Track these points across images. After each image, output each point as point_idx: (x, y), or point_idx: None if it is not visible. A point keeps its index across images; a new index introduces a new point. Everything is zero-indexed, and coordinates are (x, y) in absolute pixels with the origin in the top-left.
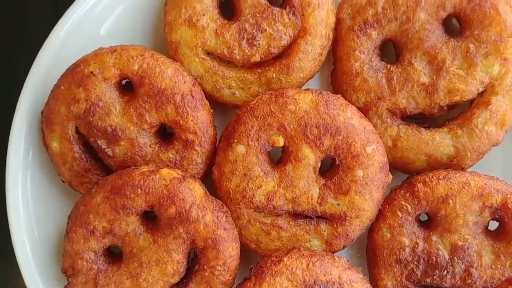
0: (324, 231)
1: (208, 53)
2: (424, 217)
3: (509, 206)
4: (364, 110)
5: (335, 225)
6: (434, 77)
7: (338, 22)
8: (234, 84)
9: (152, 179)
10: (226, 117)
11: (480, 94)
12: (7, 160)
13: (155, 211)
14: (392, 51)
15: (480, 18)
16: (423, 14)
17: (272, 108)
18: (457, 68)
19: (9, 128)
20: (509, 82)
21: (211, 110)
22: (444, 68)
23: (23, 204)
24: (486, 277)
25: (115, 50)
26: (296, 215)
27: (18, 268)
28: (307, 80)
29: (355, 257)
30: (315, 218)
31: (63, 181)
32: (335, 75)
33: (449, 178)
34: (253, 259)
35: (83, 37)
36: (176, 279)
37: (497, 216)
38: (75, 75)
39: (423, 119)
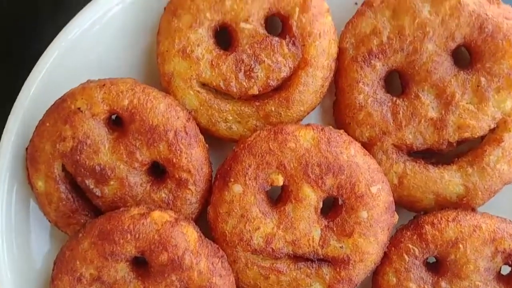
0: (326, 275)
1: (204, 84)
2: (432, 259)
3: None
4: (369, 145)
5: (337, 269)
6: (443, 112)
7: (341, 51)
8: (230, 118)
9: (143, 223)
10: (223, 152)
11: (492, 131)
12: None
13: (146, 257)
14: (398, 81)
15: (493, 50)
16: (431, 45)
17: (271, 146)
18: (467, 103)
19: None
20: None
21: (207, 146)
22: (453, 103)
23: (7, 244)
24: None
25: (104, 85)
26: (296, 258)
27: None
28: (308, 113)
29: None
30: (316, 261)
31: (49, 221)
32: (338, 107)
33: (459, 221)
34: None
35: (71, 67)
36: None
37: (510, 262)
38: (61, 111)
39: (431, 154)
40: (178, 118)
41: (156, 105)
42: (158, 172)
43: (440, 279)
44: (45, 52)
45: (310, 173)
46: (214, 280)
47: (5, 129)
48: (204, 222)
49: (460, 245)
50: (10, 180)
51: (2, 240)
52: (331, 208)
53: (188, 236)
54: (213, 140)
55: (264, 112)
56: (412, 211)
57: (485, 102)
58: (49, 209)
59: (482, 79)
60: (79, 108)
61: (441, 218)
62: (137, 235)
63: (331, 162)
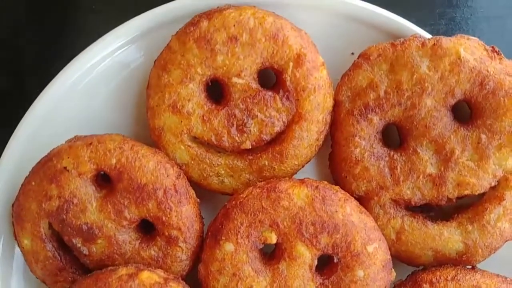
0: None
1: (195, 138)
2: None
3: None
4: (365, 200)
5: None
6: (442, 168)
7: (337, 104)
8: (223, 172)
9: (131, 286)
10: (215, 204)
11: (493, 188)
12: None
13: None
14: (395, 134)
15: (494, 107)
16: (429, 101)
17: (263, 204)
18: (467, 160)
19: None
20: None
21: (198, 200)
22: (453, 159)
23: None
24: None
25: (91, 143)
26: None
27: None
28: (303, 166)
29: None
30: None
31: (37, 277)
32: (334, 160)
33: (458, 280)
34: None
35: (58, 123)
36: None
37: None
38: (47, 170)
39: (429, 210)
40: (167, 176)
41: (145, 163)
42: (147, 228)
43: None
44: (30, 108)
45: (304, 231)
46: None
47: None
48: (195, 279)
49: None
50: None
51: None
52: (326, 265)
53: None
54: (205, 192)
55: (257, 166)
56: (410, 266)
57: (486, 159)
58: (35, 267)
59: (483, 136)
60: (65, 167)
61: (440, 277)
62: None
63: (326, 221)
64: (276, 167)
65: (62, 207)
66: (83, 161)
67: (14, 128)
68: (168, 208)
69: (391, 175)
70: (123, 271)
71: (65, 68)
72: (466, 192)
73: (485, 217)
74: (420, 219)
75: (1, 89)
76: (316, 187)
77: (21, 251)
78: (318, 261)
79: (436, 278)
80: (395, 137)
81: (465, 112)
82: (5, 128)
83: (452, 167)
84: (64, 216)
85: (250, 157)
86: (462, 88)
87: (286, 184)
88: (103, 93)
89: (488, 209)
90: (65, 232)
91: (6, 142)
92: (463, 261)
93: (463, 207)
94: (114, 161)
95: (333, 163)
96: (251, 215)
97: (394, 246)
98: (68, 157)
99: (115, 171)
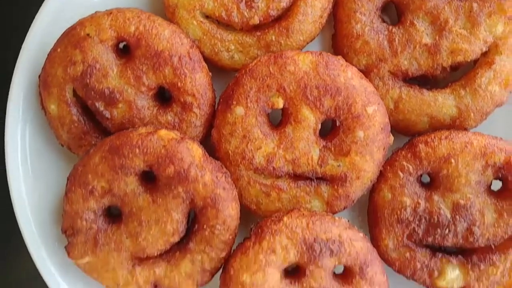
0: (325, 192)
1: (206, 16)
2: (426, 179)
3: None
4: (366, 73)
5: (335, 186)
6: (437, 38)
7: None
8: (233, 47)
9: (150, 139)
10: (225, 81)
11: (484, 54)
12: (5, 126)
13: (154, 171)
14: (394, 12)
15: None
16: None
17: (271, 69)
18: (460, 28)
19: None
20: None
21: (210, 73)
22: (447, 28)
23: (22, 168)
24: (489, 235)
25: (111, 13)
26: (296, 177)
27: None
28: (307, 43)
29: (357, 219)
30: (315, 180)
31: (62, 145)
32: (336, 38)
33: (452, 138)
34: (253, 221)
35: (79, 3)
36: (176, 239)
37: (500, 175)
38: (72, 38)
39: (426, 81)
40: (182, 44)
41: (161, 31)
42: (164, 98)
43: (433, 193)
44: None
45: (309, 95)
46: (218, 191)
47: (18, 60)
48: (208, 147)
49: (452, 160)
50: (25, 108)
51: (18, 166)
52: (330, 131)
53: (193, 151)
54: (216, 70)
55: (265, 41)
56: (407, 136)
57: (477, 26)
58: (61, 131)
59: (475, 4)
60: (88, 34)
61: (434, 137)
62: (145, 150)
63: (329, 84)
64: (282, 42)
65: (85, 71)
66: (104, 28)
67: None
68: (183, 74)
69: (390, 47)
70: (143, 129)
71: None
72: (459, 58)
73: (476, 81)
74: (416, 89)
75: None
76: (320, 54)
77: (47, 117)
78: (321, 129)
79: (431, 138)
80: (393, 16)
81: None
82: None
83: (446, 36)
84: (88, 81)
85: (258, 33)
86: None
87: (292, 52)
88: None
89: (480, 73)
90: (88, 97)
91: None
92: (456, 126)
93: (457, 78)
94: (132, 28)
95: (336, 41)
96: (259, 80)
97: (392, 115)
98: (91, 25)
99: (134, 38)
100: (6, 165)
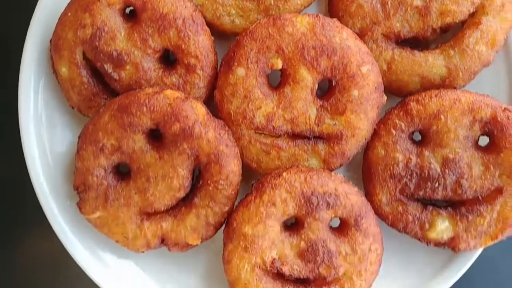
0: (322, 150)
1: None
2: (417, 137)
3: (498, 119)
4: (360, 35)
5: (332, 144)
6: (427, 0)
7: None
8: (233, 12)
9: (157, 98)
10: (227, 45)
11: (471, 15)
12: (19, 90)
13: (160, 128)
14: None
15: None
16: None
17: (270, 31)
18: None
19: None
20: (499, 2)
21: (212, 37)
22: None
23: (35, 129)
24: (476, 187)
25: None
26: (294, 136)
27: None
28: (305, 7)
29: (352, 178)
30: (312, 139)
31: (72, 107)
32: (332, 1)
33: (441, 96)
34: (254, 178)
35: None
36: (182, 194)
37: (486, 130)
38: (81, 1)
39: (417, 44)
40: (185, 7)
41: None
42: (168, 61)
43: (423, 149)
44: None
45: (306, 55)
46: (221, 148)
47: (29, 26)
48: (211, 108)
49: (442, 116)
50: (37, 72)
51: (29, 128)
52: (326, 91)
53: (197, 110)
54: (218, 36)
55: (264, 5)
56: (400, 96)
57: None
58: (72, 93)
59: None
60: None
61: (425, 95)
62: (151, 108)
63: (325, 44)
64: (280, 6)
65: (94, 34)
66: None
67: None
68: (186, 37)
69: (383, 10)
70: (149, 90)
71: None
72: (448, 19)
73: (464, 41)
74: (408, 50)
75: None
76: (317, 16)
77: (58, 80)
78: (318, 89)
79: (422, 97)
80: None
81: None
82: None
83: None
84: (97, 43)
85: None
86: None
87: (290, 14)
88: None
89: (467, 33)
90: (97, 59)
91: None
92: (446, 85)
93: (446, 39)
94: None
95: (331, 5)
96: (259, 41)
97: (385, 76)
98: None
99: (140, 2)
100: (20, 129)
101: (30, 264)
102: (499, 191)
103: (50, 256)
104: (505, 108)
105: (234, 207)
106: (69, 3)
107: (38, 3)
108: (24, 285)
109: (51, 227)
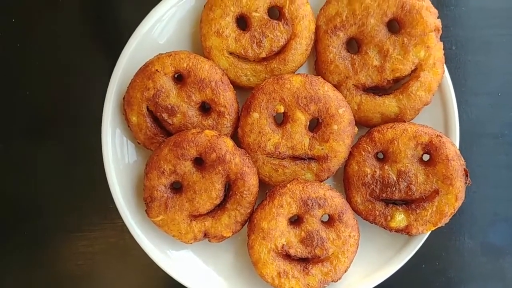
0: (314, 167)
1: (231, 53)
2: (380, 156)
3: (433, 143)
4: (337, 86)
5: (321, 163)
6: (382, 61)
7: (317, 27)
8: (249, 73)
9: (199, 136)
10: (245, 96)
11: (414, 71)
12: (102, 133)
13: (202, 157)
14: (355, 45)
15: (410, 21)
16: (372, 20)
17: (275, 87)
18: (397, 55)
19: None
20: (431, 61)
21: (235, 91)
22: (388, 55)
23: (113, 160)
24: (421, 190)
25: (171, 54)
26: (294, 158)
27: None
28: (298, 68)
29: (336, 186)
30: (307, 159)
31: (139, 143)
32: (317, 63)
33: (395, 127)
34: (267, 188)
35: (148, 47)
36: (218, 201)
37: (426, 150)
38: (146, 72)
39: (378, 90)
40: (217, 73)
41: (203, 65)
42: (205, 109)
43: (384, 164)
44: (131, 37)
45: (300, 103)
46: (245, 169)
47: (108, 88)
48: (235, 140)
49: (395, 141)
50: (114, 121)
51: (110, 159)
52: (315, 126)
53: (227, 143)
54: (238, 89)
55: (270, 68)
56: (367, 127)
57: (408, 53)
58: (139, 134)
59: (405, 39)
60: (156, 70)
61: (384, 127)
62: (196, 143)
63: (313, 95)
64: (281, 68)
65: (155, 94)
66: (167, 65)
67: (119, 52)
68: (218, 93)
69: (352, 69)
70: (194, 130)
71: (150, 12)
72: (397, 74)
73: (409, 89)
74: (371, 96)
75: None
76: (306, 75)
77: (130, 126)
78: (309, 124)
79: (381, 128)
80: (354, 48)
81: (395, 26)
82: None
83: (388, 60)
84: (157, 100)
85: (265, 63)
86: (391, 10)
87: (288, 75)
88: (175, 28)
89: (411, 84)
90: (157, 110)
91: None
92: (398, 119)
93: (398, 88)
94: (185, 64)
95: (317, 65)
96: (267, 94)
97: (356, 113)
98: (158, 63)
99: (186, 71)
100: (104, 159)
101: (102, 255)
102: (436, 192)
103: (118, 250)
104: (438, 135)
105: (254, 209)
106: (136, 73)
107: (114, 71)
108: (98, 271)
109: (121, 227)
